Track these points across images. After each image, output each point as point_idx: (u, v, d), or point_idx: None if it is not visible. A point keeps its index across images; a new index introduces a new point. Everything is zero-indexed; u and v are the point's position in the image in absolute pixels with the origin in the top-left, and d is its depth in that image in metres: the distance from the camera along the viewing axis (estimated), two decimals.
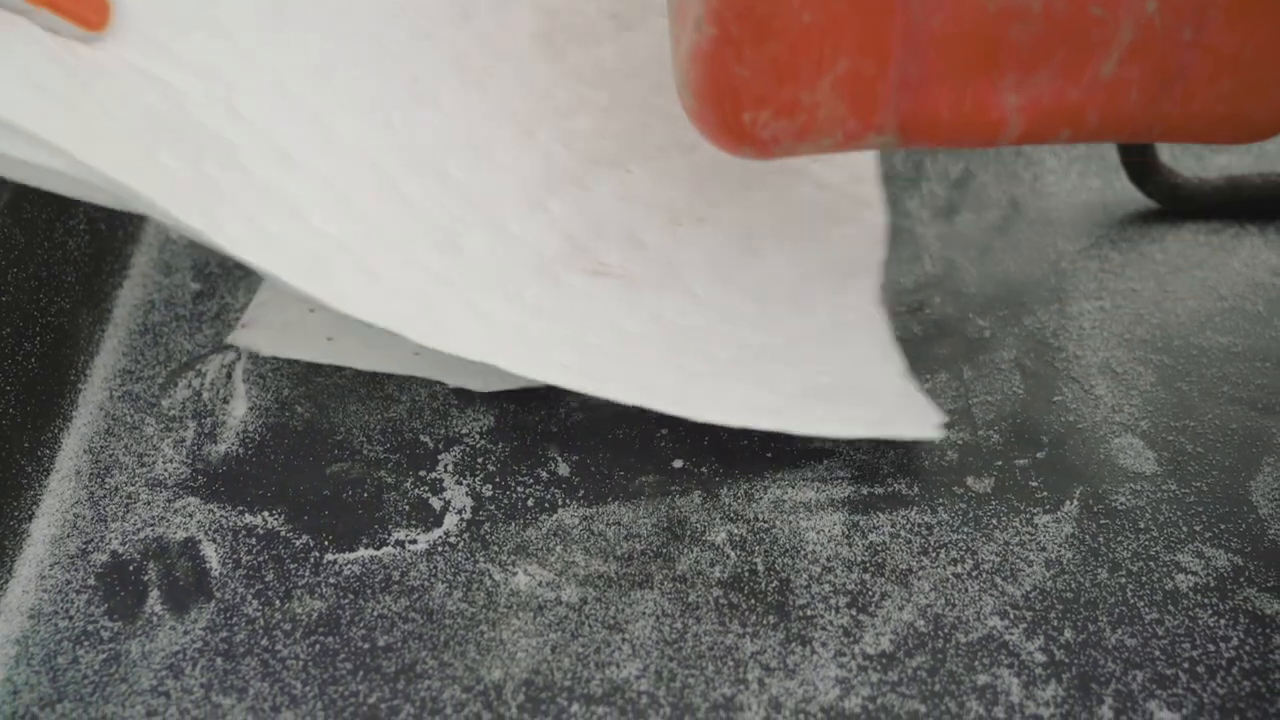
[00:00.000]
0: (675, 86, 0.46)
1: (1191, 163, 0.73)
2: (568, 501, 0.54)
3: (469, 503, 0.54)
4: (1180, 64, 0.43)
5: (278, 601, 0.50)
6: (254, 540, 0.52)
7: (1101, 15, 0.42)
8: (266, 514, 0.53)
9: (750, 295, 0.58)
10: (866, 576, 0.51)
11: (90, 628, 0.49)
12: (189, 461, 0.55)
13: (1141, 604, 0.49)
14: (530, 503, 0.54)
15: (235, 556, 0.51)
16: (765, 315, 0.57)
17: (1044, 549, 0.52)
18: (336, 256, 0.49)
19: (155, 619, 0.49)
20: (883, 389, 0.55)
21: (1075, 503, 0.53)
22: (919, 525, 0.53)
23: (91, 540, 0.52)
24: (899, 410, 0.53)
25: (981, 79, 0.44)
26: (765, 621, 0.49)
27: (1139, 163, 0.67)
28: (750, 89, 0.43)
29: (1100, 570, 0.51)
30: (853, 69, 0.43)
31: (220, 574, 0.51)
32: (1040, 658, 0.48)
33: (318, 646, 0.48)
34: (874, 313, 0.58)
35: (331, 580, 0.51)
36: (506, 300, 0.53)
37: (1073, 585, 0.50)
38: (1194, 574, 0.51)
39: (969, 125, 0.45)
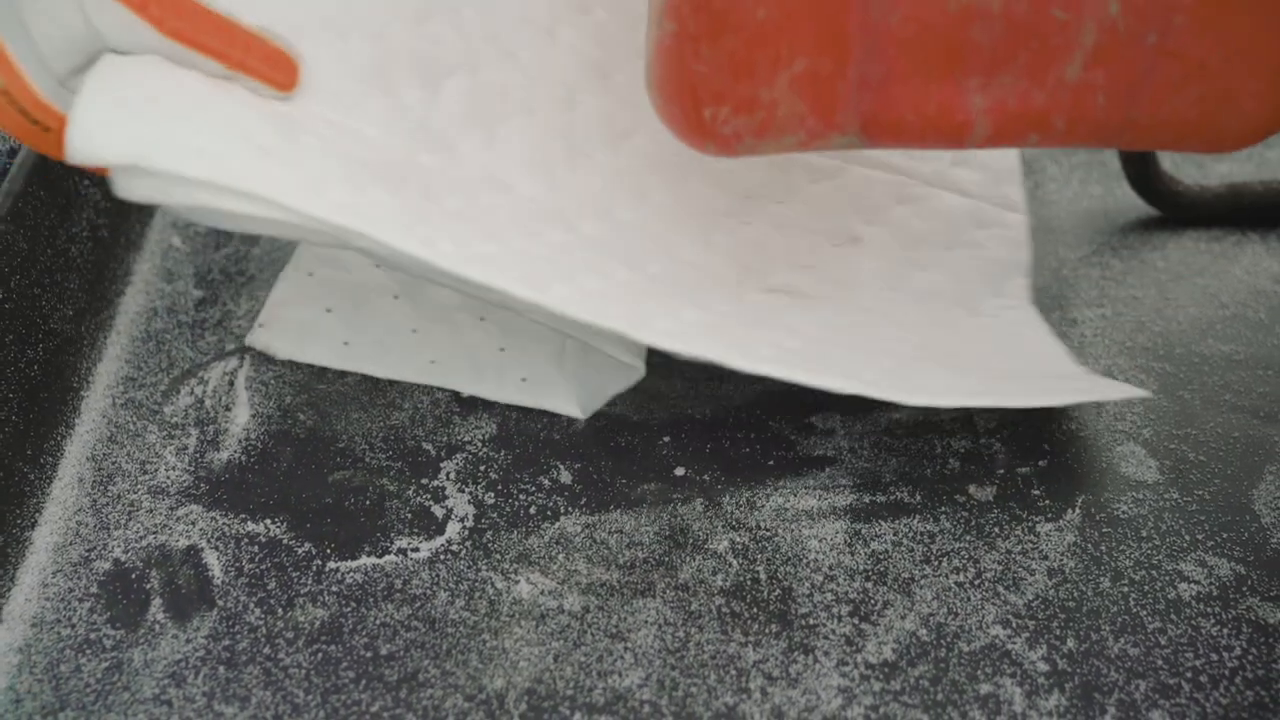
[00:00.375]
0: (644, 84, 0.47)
1: (1193, 170, 0.73)
2: (570, 509, 0.54)
3: (471, 510, 0.54)
4: (1146, 69, 0.43)
5: (280, 610, 0.50)
6: (256, 548, 0.52)
7: (1063, 17, 0.42)
8: (269, 522, 0.53)
9: (917, 301, 0.58)
10: (869, 585, 0.51)
11: (93, 636, 0.49)
12: (191, 469, 0.55)
13: (1144, 613, 0.49)
14: (532, 511, 0.54)
15: (237, 564, 0.51)
16: (937, 319, 0.57)
17: (1046, 558, 0.52)
18: (545, 269, 0.49)
19: (157, 627, 0.49)
20: (1064, 374, 0.55)
21: (1077, 511, 0.53)
22: (921, 534, 0.53)
23: (94, 548, 0.52)
24: (1089, 385, 0.53)
25: (945, 80, 0.44)
26: (767, 630, 0.49)
27: (1140, 170, 0.67)
28: (709, 85, 0.43)
29: (1103, 579, 0.51)
30: (810, 67, 0.43)
31: (222, 582, 0.51)
32: (1043, 667, 0.48)
33: (320, 655, 0.48)
34: (1031, 312, 0.59)
35: (334, 588, 0.50)
36: (699, 309, 0.53)
37: (1075, 594, 0.50)
38: (1197, 583, 0.51)
39: (934, 127, 0.45)
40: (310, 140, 0.48)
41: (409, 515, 0.53)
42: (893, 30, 0.42)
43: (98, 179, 0.64)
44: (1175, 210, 0.69)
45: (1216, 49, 0.42)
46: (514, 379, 0.57)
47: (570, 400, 0.57)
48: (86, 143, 0.43)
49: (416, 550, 0.52)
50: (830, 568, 0.51)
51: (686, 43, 0.42)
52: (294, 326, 0.60)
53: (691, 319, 0.52)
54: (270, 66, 0.48)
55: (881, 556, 0.52)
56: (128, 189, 0.45)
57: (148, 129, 0.44)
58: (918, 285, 0.59)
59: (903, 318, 0.58)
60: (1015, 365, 0.56)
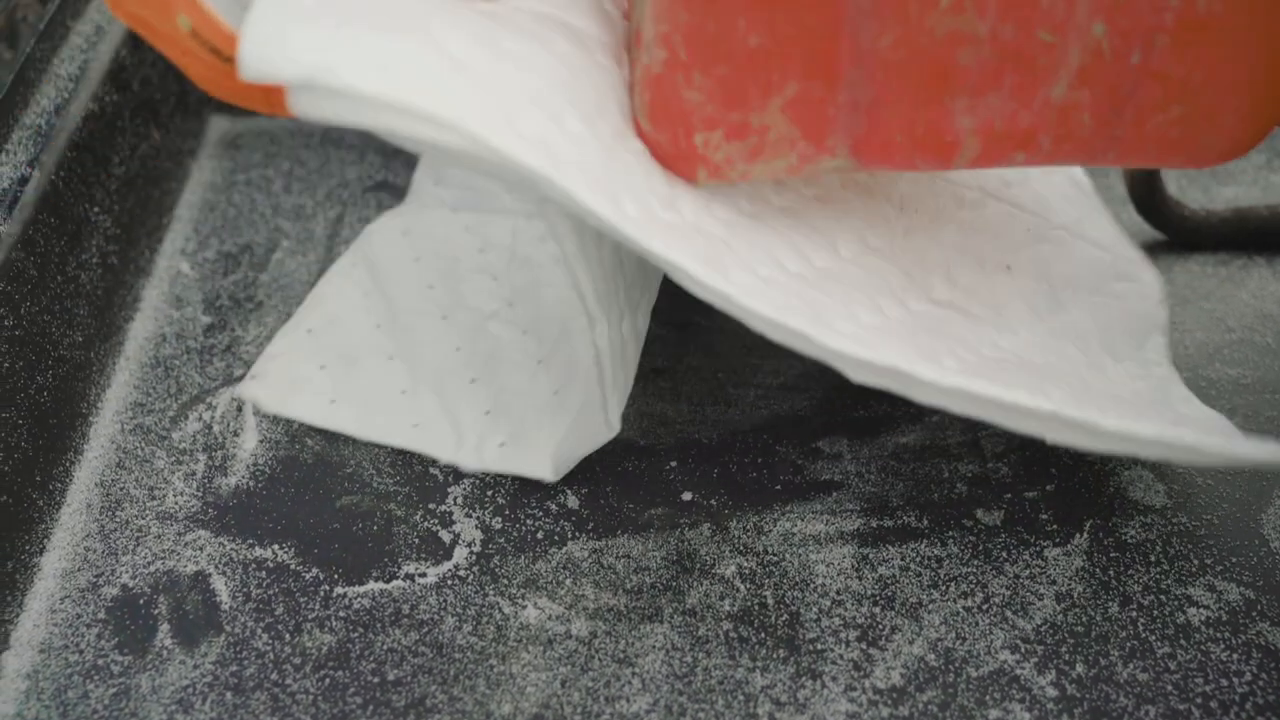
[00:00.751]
0: (634, 110, 0.46)
1: (1198, 195, 0.73)
2: (577, 534, 0.54)
3: (478, 535, 0.54)
4: (1130, 89, 0.43)
5: (288, 635, 0.50)
6: (264, 573, 0.52)
7: (1049, 40, 0.42)
8: (276, 547, 0.53)
9: (1066, 337, 0.58)
10: (876, 610, 0.50)
11: (100, 662, 0.49)
12: (199, 494, 0.55)
13: (1153, 638, 0.49)
14: (540, 535, 0.54)
15: (245, 590, 0.51)
16: (1090, 360, 0.57)
17: (1054, 582, 0.51)
18: (721, 251, 0.47)
19: (165, 653, 0.49)
20: (1211, 427, 0.54)
21: (1085, 535, 0.53)
22: (929, 558, 0.52)
23: (102, 574, 0.52)
24: (1221, 428, 0.52)
25: (933, 102, 0.44)
26: (775, 655, 0.49)
27: (1146, 195, 0.68)
28: (700, 111, 0.43)
29: (1111, 604, 0.51)
30: (802, 92, 0.43)
31: (230, 607, 0.51)
32: (1052, 692, 0.47)
33: (327, 680, 0.48)
34: (1172, 372, 0.59)
35: (341, 614, 0.51)
36: (873, 312, 0.51)
37: (1084, 619, 0.50)
38: (1206, 608, 0.50)
39: (923, 148, 0.45)
40: (513, 47, 0.45)
41: (416, 540, 0.53)
42: (881, 54, 0.43)
43: (107, 205, 0.64)
44: (1181, 234, 0.69)
45: (1198, 69, 0.43)
46: (494, 443, 0.57)
47: (545, 462, 0.56)
48: (259, 58, 0.40)
49: (424, 575, 0.52)
50: (838, 592, 0.51)
51: (678, 70, 0.42)
52: (284, 381, 0.60)
53: (870, 322, 0.50)
54: None
55: (889, 581, 0.52)
56: (307, 108, 0.41)
57: (326, 37, 0.40)
58: (1065, 323, 0.59)
59: (1059, 350, 0.57)
60: (1170, 415, 0.55)
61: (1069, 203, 0.63)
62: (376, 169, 0.74)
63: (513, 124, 0.42)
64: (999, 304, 0.58)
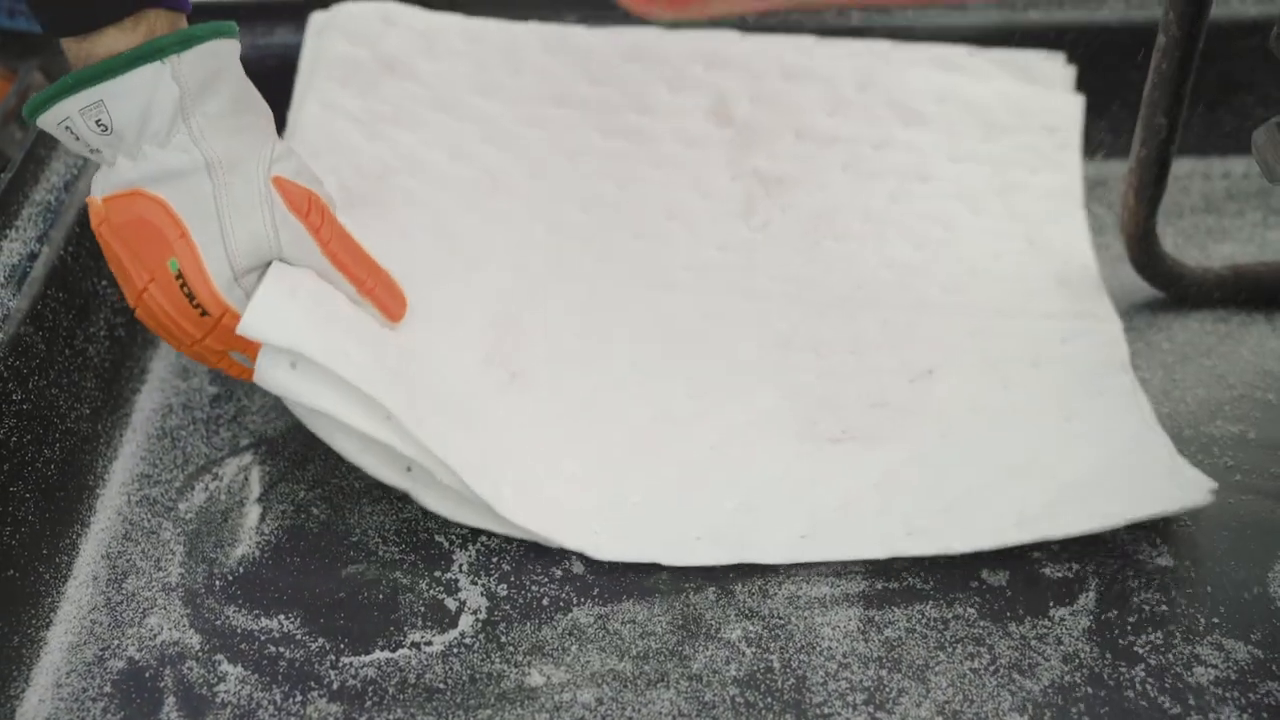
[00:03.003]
0: None
1: (1195, 252, 0.73)
2: (583, 600, 0.54)
3: (484, 603, 0.54)
4: None
5: (293, 706, 0.50)
6: (270, 644, 0.52)
7: None
8: (282, 617, 0.53)
9: (1003, 420, 0.61)
10: (883, 672, 0.50)
11: None
12: (205, 565, 0.56)
13: (1162, 698, 0.49)
14: (545, 602, 0.54)
15: (251, 661, 0.51)
16: (1023, 435, 0.60)
17: (1061, 642, 0.51)
18: (601, 513, 0.56)
19: None
20: (1150, 469, 0.57)
21: (1092, 595, 0.53)
22: (935, 620, 0.52)
23: (108, 647, 0.52)
24: (1166, 484, 0.55)
25: None
26: None
27: (1144, 252, 0.68)
28: None
29: (1119, 664, 0.50)
30: None
31: (236, 679, 0.51)
32: None
33: None
34: (1137, 400, 0.61)
35: (347, 683, 0.50)
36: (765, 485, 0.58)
37: (1091, 679, 0.50)
38: (1214, 667, 0.50)
39: None
40: (415, 369, 0.56)
41: (422, 608, 0.53)
42: None
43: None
44: (1179, 292, 0.69)
45: None
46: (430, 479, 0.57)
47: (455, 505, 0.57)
48: (263, 318, 0.51)
49: (430, 644, 0.52)
50: (844, 655, 0.51)
51: None
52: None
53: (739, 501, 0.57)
54: (390, 298, 0.58)
55: (895, 643, 0.51)
56: (270, 375, 0.52)
57: (311, 322, 0.52)
58: (1003, 403, 0.62)
59: (980, 442, 0.60)
60: (1094, 474, 0.57)
61: (1022, 284, 0.68)
62: None
63: (430, 427, 0.53)
64: (919, 410, 0.62)
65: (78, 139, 0.51)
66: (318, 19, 0.75)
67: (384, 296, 0.57)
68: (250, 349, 0.53)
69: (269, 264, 0.54)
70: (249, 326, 0.51)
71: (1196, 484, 0.54)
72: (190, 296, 0.52)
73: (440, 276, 0.63)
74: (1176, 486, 0.55)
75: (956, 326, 0.65)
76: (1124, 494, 0.55)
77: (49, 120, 0.51)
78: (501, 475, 0.55)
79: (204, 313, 0.52)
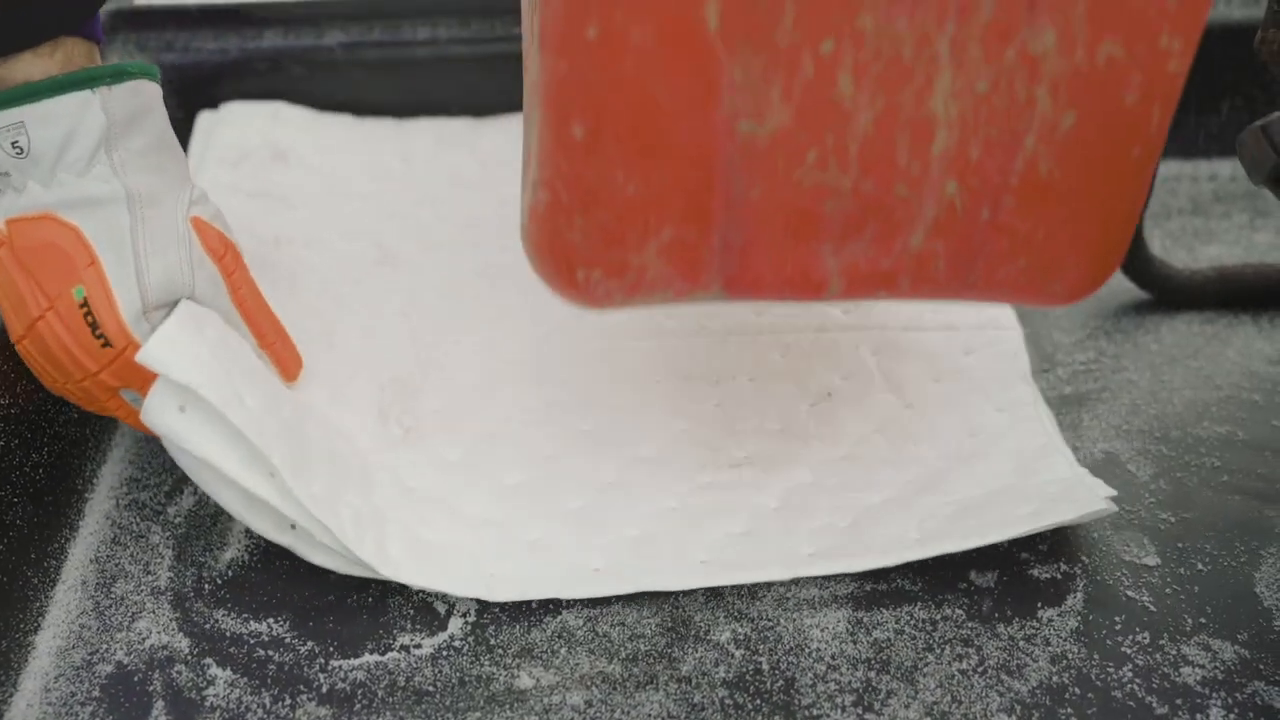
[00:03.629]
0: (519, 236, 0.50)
1: (1183, 254, 0.74)
2: (572, 602, 0.54)
3: (473, 605, 0.54)
4: (981, 241, 0.47)
5: (283, 710, 0.49)
6: (259, 647, 0.52)
7: (906, 195, 0.46)
8: (272, 620, 0.53)
9: (906, 439, 0.61)
10: (872, 674, 0.50)
11: None
12: (194, 569, 0.55)
13: (1151, 698, 0.49)
14: (534, 604, 0.54)
15: (240, 664, 0.51)
16: (925, 452, 0.60)
17: (1049, 643, 0.51)
18: (489, 560, 0.55)
19: None
20: (1047, 478, 0.57)
21: (1079, 595, 0.53)
22: (923, 621, 0.53)
23: (96, 651, 0.52)
24: (1064, 494, 0.55)
25: (801, 245, 0.47)
26: None
27: (1132, 254, 0.68)
28: (581, 250, 0.46)
29: (1107, 664, 0.51)
30: (677, 236, 0.45)
31: (225, 683, 0.51)
32: None
33: None
34: (1037, 410, 0.61)
35: (337, 686, 0.50)
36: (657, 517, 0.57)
37: (1079, 680, 0.50)
38: (1201, 667, 0.50)
39: (792, 284, 0.48)
40: (310, 426, 0.56)
41: (411, 611, 0.53)
42: (752, 203, 0.45)
43: None
44: (1166, 293, 0.70)
45: (1041, 226, 0.46)
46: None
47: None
48: (166, 349, 0.51)
49: (419, 647, 0.52)
50: (833, 657, 0.51)
51: (560, 213, 0.45)
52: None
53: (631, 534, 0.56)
54: (288, 355, 0.59)
55: (884, 645, 0.52)
56: (159, 416, 0.51)
57: (213, 360, 0.52)
58: (905, 422, 0.62)
59: (888, 456, 0.60)
60: (997, 485, 0.58)
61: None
62: None
63: (313, 487, 0.53)
64: (819, 434, 0.62)
65: None
66: (206, 118, 0.80)
67: (283, 353, 0.59)
68: (146, 388, 0.52)
69: (177, 302, 0.53)
70: (150, 353, 0.51)
71: (1095, 492, 0.55)
72: (94, 326, 0.51)
73: (332, 337, 0.64)
74: (1076, 496, 0.55)
75: (859, 346, 0.65)
76: (1025, 505, 0.55)
77: None
78: (390, 530, 0.55)
79: (106, 344, 0.51)
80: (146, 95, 0.53)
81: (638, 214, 0.45)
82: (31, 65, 0.50)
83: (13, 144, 0.50)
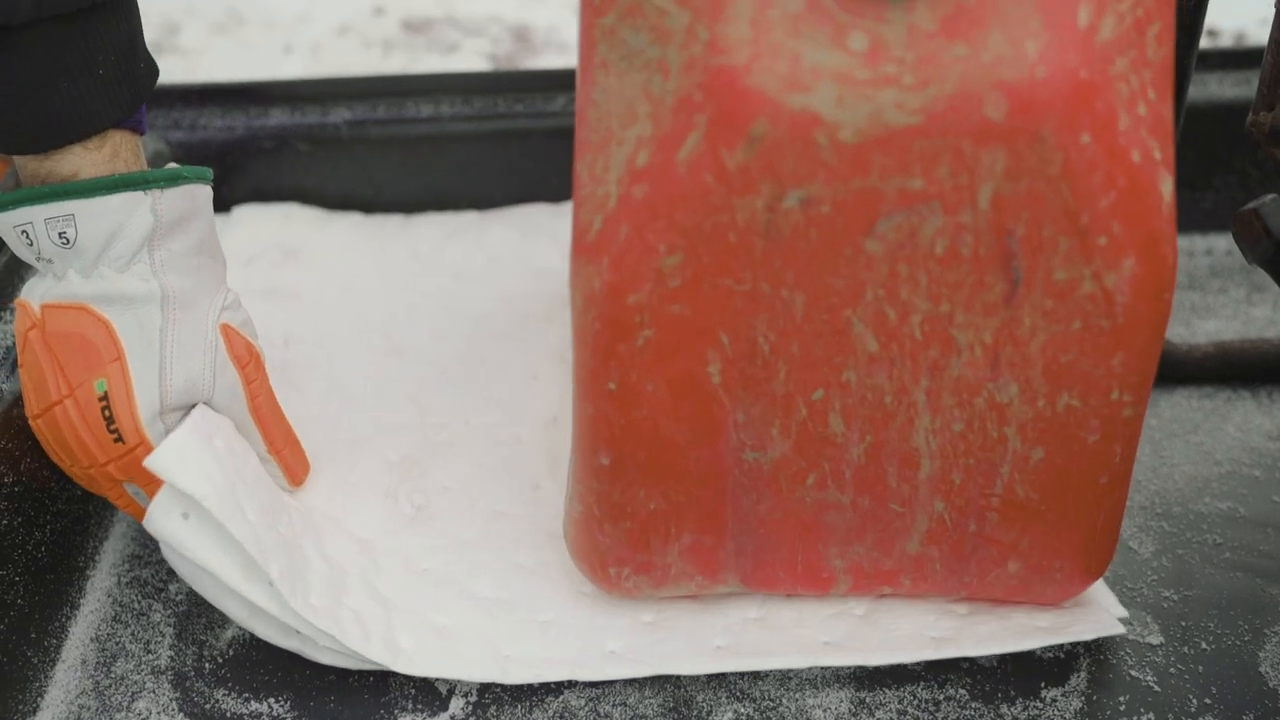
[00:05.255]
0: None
1: (1181, 329, 0.74)
2: (574, 682, 0.53)
3: (475, 685, 0.53)
4: (971, 549, 0.52)
5: None
6: None
7: (900, 510, 0.51)
8: (272, 700, 0.53)
9: None
10: None
11: None
12: (195, 648, 0.55)
13: None
14: (536, 684, 0.53)
15: None
16: None
17: None
18: (478, 645, 0.55)
19: None
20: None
21: (1083, 675, 0.53)
22: (926, 701, 0.52)
23: None
24: (1080, 610, 0.55)
25: (808, 548, 0.53)
26: None
27: None
28: (612, 552, 0.53)
29: None
30: (695, 541, 0.52)
31: None
32: None
33: None
34: None
35: None
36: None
37: None
38: None
39: (802, 582, 0.54)
40: (309, 540, 0.57)
41: (413, 691, 0.53)
42: (761, 515, 0.51)
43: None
44: (1165, 369, 0.70)
45: (1025, 537, 0.51)
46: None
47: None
48: (173, 458, 0.51)
49: None
50: None
51: (593, 522, 0.52)
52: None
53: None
54: (296, 461, 0.60)
55: None
56: (161, 523, 0.52)
57: (218, 473, 0.52)
58: None
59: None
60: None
61: None
62: None
63: (312, 599, 0.53)
64: None
65: (30, 244, 0.52)
66: (218, 221, 0.80)
67: (290, 458, 0.60)
68: (150, 485, 0.53)
69: (194, 405, 0.54)
70: (157, 461, 0.51)
71: (1110, 611, 0.55)
72: (109, 420, 0.52)
73: (341, 430, 0.66)
74: (1093, 616, 0.55)
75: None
76: (1043, 618, 0.55)
77: (7, 220, 0.51)
78: (398, 620, 0.55)
79: (119, 439, 0.52)
80: (197, 199, 0.54)
81: (659, 524, 0.51)
82: (81, 159, 0.51)
83: (60, 234, 0.51)
